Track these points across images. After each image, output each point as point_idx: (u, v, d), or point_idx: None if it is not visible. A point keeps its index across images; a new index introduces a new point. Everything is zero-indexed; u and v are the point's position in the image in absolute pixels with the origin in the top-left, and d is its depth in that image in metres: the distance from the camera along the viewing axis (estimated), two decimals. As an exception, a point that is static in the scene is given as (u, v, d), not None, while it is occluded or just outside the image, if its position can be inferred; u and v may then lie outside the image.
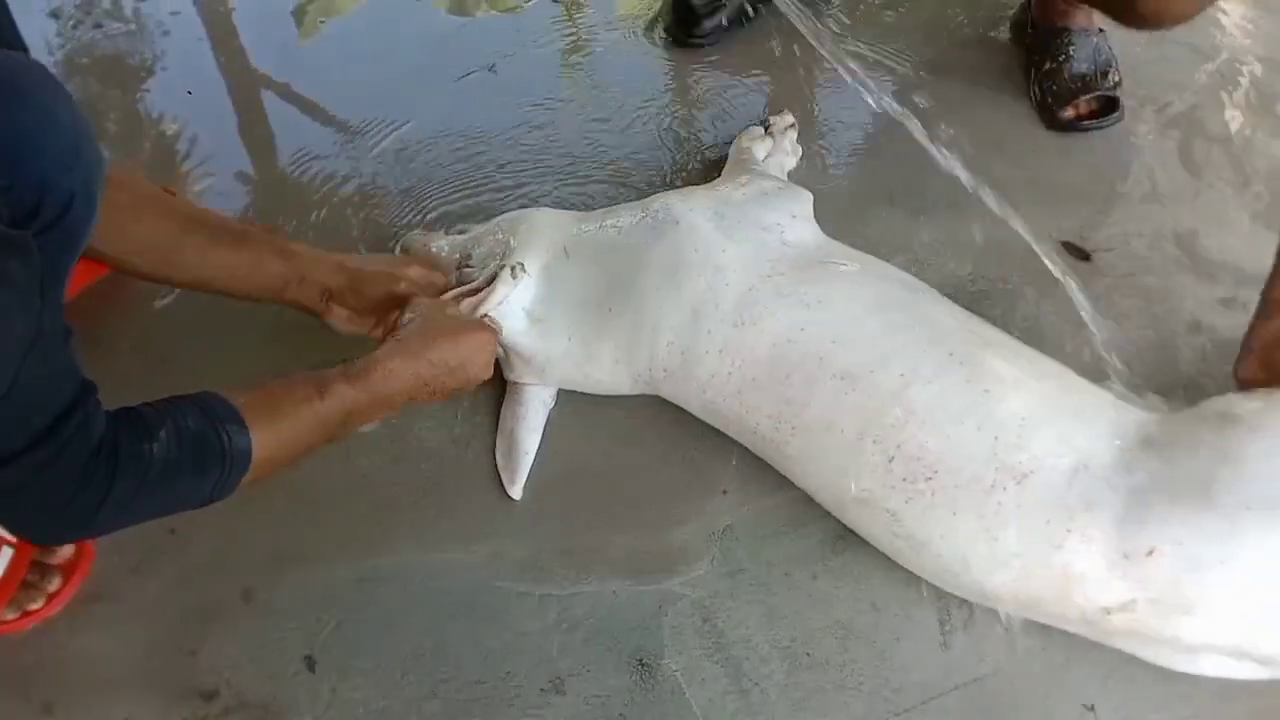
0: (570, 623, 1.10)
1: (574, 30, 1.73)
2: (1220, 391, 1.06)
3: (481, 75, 1.67)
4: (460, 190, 1.50)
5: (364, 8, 1.82)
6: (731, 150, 1.44)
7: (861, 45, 1.63)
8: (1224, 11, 1.65)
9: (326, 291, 1.13)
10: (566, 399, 1.25)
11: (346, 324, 1.16)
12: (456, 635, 1.10)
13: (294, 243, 1.16)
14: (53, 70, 0.90)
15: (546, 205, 1.40)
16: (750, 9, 1.62)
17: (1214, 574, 0.93)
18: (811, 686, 1.04)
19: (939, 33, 1.66)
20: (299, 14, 1.81)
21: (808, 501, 1.14)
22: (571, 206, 1.41)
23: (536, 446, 1.21)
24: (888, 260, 1.21)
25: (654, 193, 1.30)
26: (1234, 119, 1.52)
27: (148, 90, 1.69)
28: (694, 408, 1.18)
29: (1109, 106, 1.50)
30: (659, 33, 1.69)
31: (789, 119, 1.48)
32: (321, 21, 1.79)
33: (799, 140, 1.47)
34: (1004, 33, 1.64)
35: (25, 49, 0.92)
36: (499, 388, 1.27)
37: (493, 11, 1.78)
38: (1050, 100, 1.50)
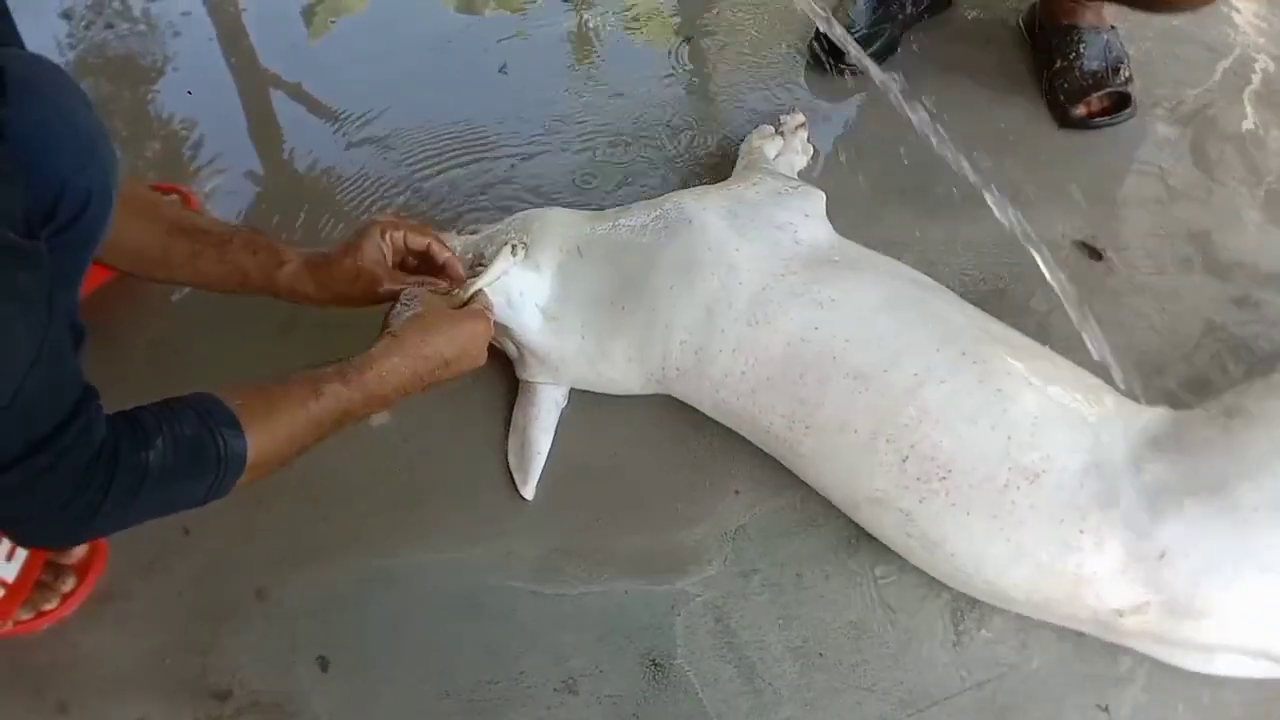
0: (582, 622, 1.10)
1: (583, 29, 1.73)
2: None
3: (491, 74, 1.67)
4: (471, 189, 1.50)
5: (373, 7, 1.83)
6: (742, 149, 1.44)
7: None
8: (1236, 9, 1.65)
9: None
10: (579, 399, 1.25)
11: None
12: (469, 635, 1.10)
13: (282, 245, 1.11)
14: (64, 70, 0.90)
15: (559, 204, 1.40)
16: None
17: (1226, 578, 0.93)
18: (824, 687, 1.04)
19: (949, 31, 1.66)
20: (309, 14, 1.82)
21: (820, 502, 1.14)
22: (584, 206, 1.41)
23: (549, 446, 1.21)
24: (899, 259, 1.21)
25: (666, 192, 1.30)
26: (1247, 117, 1.51)
27: (158, 90, 1.69)
28: (706, 407, 1.18)
29: (1121, 103, 1.50)
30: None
31: (800, 118, 1.48)
32: (332, 21, 1.80)
33: (809, 139, 1.47)
34: (1014, 31, 1.63)
35: (23, 49, 0.92)
36: (510, 387, 1.27)
37: (501, 10, 1.78)
38: (1062, 98, 1.50)
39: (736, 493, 1.18)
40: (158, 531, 0.95)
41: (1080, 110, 1.49)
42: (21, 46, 0.89)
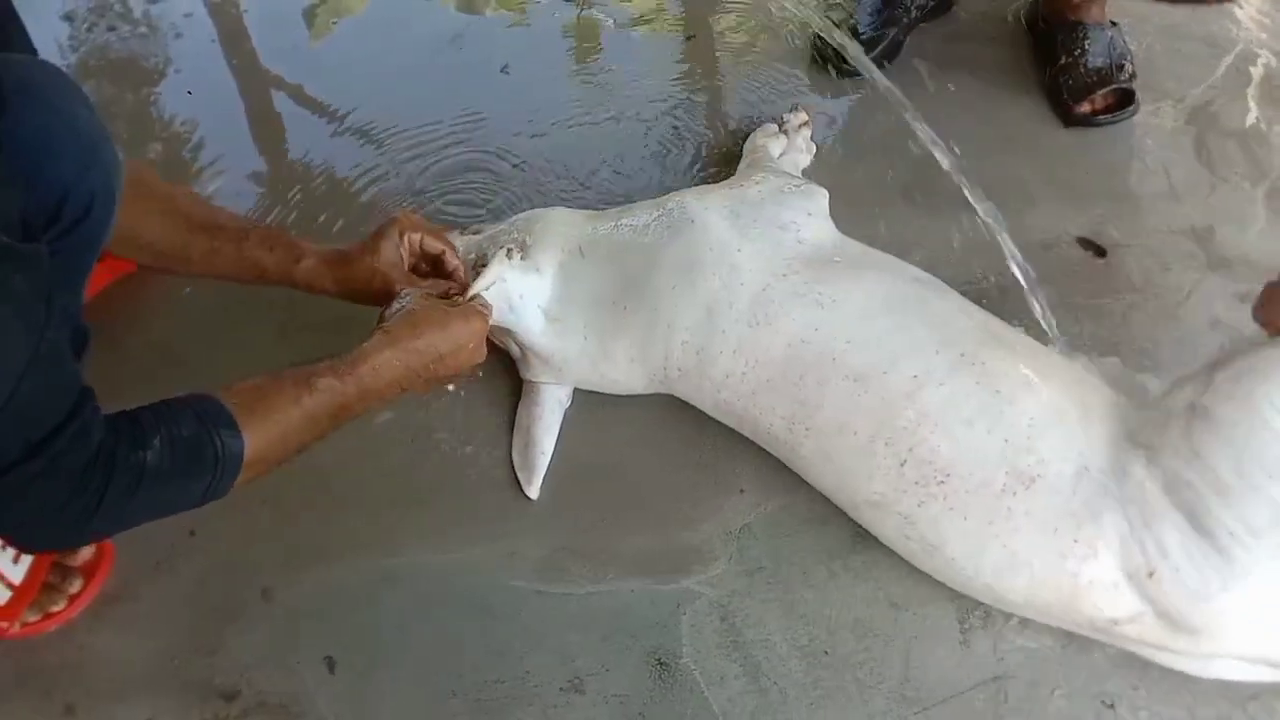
0: (588, 622, 1.10)
1: (585, 28, 1.73)
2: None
3: (493, 74, 1.67)
4: (473, 189, 1.50)
5: (374, 8, 1.83)
6: (745, 147, 1.44)
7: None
8: (1239, 5, 1.65)
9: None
10: (583, 399, 1.25)
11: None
12: (475, 634, 1.10)
13: (299, 240, 1.12)
14: (66, 73, 0.90)
15: (561, 204, 1.40)
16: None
17: (1215, 595, 0.91)
18: (830, 685, 1.04)
19: (951, 29, 1.66)
20: (310, 15, 1.82)
21: (825, 500, 1.14)
22: (586, 205, 1.41)
23: (553, 446, 1.21)
24: (902, 258, 1.20)
25: (668, 191, 1.30)
26: (1249, 113, 1.51)
27: (160, 92, 1.70)
28: (708, 407, 1.18)
29: (1124, 100, 1.50)
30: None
31: (803, 116, 1.48)
32: (333, 22, 1.80)
33: (812, 137, 1.47)
34: (1015, 28, 1.63)
35: (35, 53, 0.92)
36: (514, 388, 1.27)
37: (503, 10, 1.78)
38: (1066, 95, 1.50)
39: (742, 491, 1.18)
40: (164, 533, 0.96)
41: (1084, 107, 1.49)
42: (33, 51, 0.89)
